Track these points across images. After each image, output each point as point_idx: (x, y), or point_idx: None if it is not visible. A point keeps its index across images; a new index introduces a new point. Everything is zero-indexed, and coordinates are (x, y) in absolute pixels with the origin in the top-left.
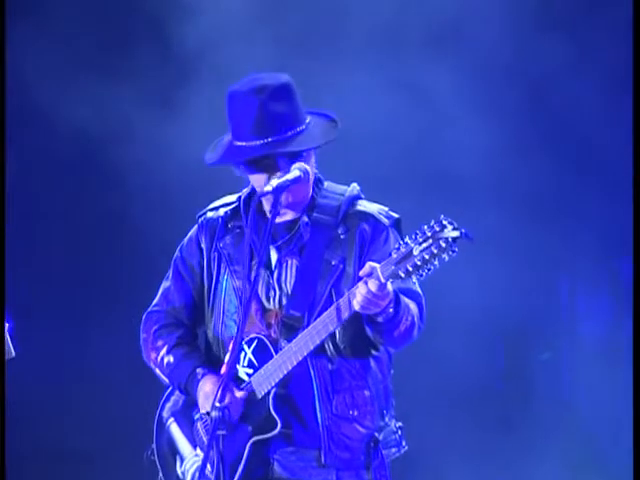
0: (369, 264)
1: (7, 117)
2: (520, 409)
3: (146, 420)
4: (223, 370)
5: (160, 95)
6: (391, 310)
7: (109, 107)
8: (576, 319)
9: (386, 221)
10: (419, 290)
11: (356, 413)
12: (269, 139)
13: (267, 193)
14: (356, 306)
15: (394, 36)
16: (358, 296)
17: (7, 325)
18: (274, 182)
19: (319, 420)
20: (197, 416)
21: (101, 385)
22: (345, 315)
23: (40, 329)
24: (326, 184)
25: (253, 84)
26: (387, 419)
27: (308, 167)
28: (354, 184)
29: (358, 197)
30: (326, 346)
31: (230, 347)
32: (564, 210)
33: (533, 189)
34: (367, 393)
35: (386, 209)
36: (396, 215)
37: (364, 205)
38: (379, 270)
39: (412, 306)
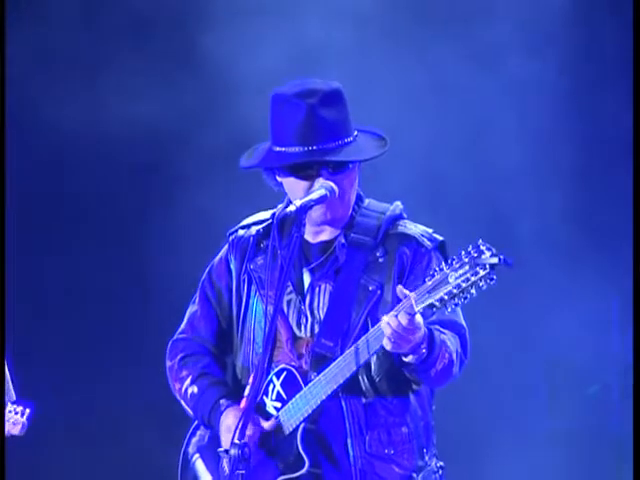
0: (401, 290)
1: (9, 121)
2: (565, 445)
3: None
4: (243, 404)
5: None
6: (424, 350)
7: (110, 108)
8: (627, 349)
9: (429, 244)
10: (462, 321)
11: (392, 452)
12: (313, 147)
13: (290, 214)
14: (387, 344)
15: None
16: (387, 330)
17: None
18: (297, 202)
19: (351, 459)
20: (221, 450)
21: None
22: (377, 346)
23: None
24: (367, 202)
25: (301, 87)
26: (427, 458)
27: (333, 185)
28: (397, 202)
29: (400, 217)
30: (360, 378)
31: (250, 380)
32: (615, 236)
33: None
34: (405, 430)
35: (430, 231)
36: (440, 238)
37: (406, 226)
38: (412, 299)
39: (452, 341)
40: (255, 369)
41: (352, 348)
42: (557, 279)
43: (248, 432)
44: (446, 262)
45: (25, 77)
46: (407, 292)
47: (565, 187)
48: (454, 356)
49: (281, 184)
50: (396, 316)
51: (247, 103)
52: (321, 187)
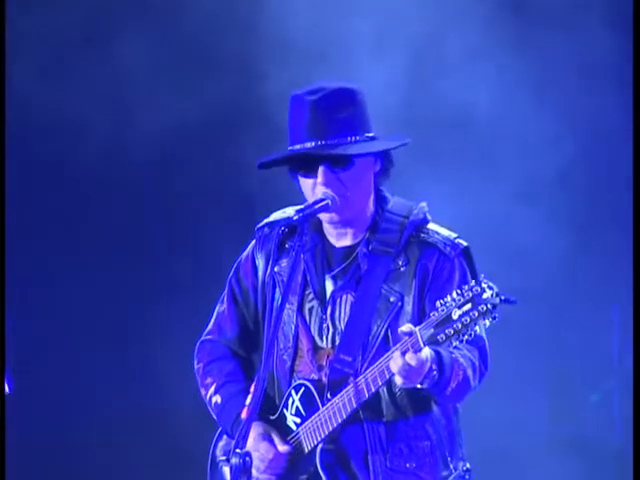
0: (408, 326)
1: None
2: (566, 453)
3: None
4: (244, 414)
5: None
6: (434, 373)
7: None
8: (627, 357)
9: (452, 252)
10: (482, 334)
11: (414, 465)
12: (312, 143)
13: (292, 222)
14: (398, 380)
15: None
16: (395, 369)
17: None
18: (301, 212)
19: (371, 476)
20: (223, 459)
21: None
22: (386, 378)
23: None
24: (391, 203)
25: (312, 87)
26: (452, 466)
27: (334, 194)
28: (422, 204)
29: (424, 221)
30: (381, 395)
31: (252, 389)
32: (615, 244)
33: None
34: (427, 443)
35: (454, 236)
36: (464, 243)
37: (429, 233)
38: (418, 333)
39: (467, 356)
40: (256, 379)
41: (367, 373)
42: (558, 288)
43: (264, 451)
44: (471, 268)
45: (29, 78)
46: (410, 328)
47: (566, 194)
48: (469, 372)
49: None
50: (403, 355)
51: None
52: (324, 195)
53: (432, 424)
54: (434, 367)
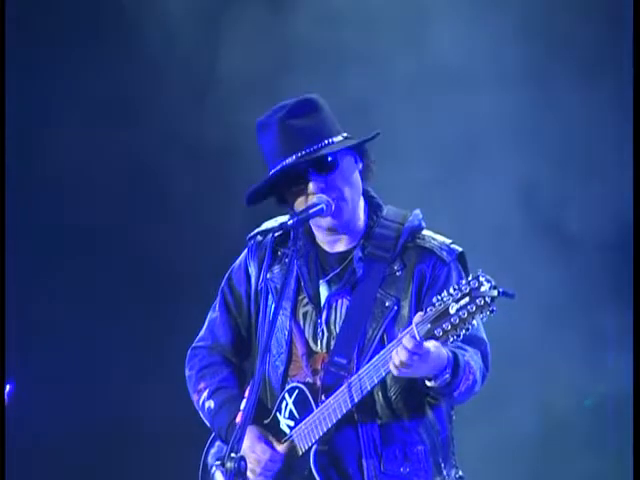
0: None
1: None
2: (560, 460)
3: None
4: (238, 419)
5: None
6: (447, 375)
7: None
8: (623, 361)
9: (448, 258)
10: (483, 335)
11: (408, 470)
12: (292, 156)
13: (287, 227)
14: (393, 370)
15: None
16: (394, 357)
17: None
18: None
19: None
20: (217, 463)
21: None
22: (383, 374)
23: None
24: (385, 210)
25: (273, 108)
26: (445, 472)
27: (328, 198)
28: (416, 211)
29: (419, 227)
30: (376, 398)
31: (246, 394)
32: (614, 247)
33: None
34: (421, 448)
35: (449, 242)
36: (459, 249)
37: (424, 239)
38: (415, 328)
39: (474, 360)
40: (251, 384)
41: (360, 372)
42: (554, 291)
43: (260, 452)
44: (467, 271)
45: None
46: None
47: (563, 193)
48: (477, 375)
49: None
50: (400, 342)
51: None
52: (318, 200)
53: (426, 429)
54: (447, 370)
